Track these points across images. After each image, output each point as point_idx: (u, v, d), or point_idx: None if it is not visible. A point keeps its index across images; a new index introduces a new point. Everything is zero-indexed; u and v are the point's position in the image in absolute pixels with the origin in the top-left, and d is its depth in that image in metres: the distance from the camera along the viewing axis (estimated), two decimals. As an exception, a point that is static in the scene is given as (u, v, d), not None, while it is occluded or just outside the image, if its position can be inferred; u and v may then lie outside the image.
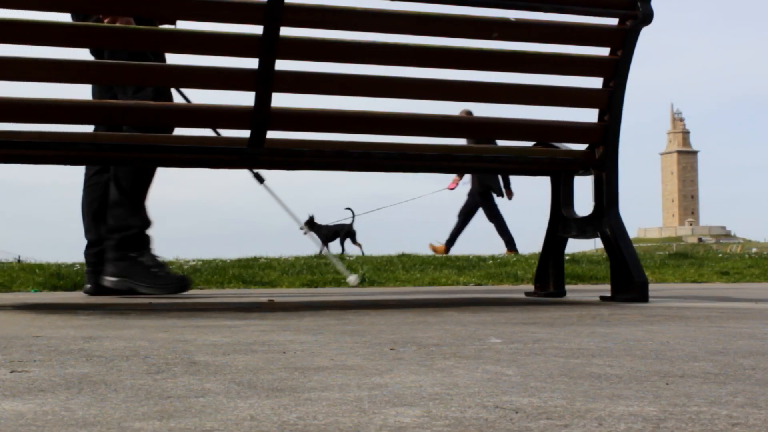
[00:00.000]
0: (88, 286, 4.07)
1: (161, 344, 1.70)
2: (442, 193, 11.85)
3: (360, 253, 10.37)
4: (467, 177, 11.31)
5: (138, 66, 2.91)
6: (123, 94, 3.72)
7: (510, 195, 11.14)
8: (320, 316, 2.51)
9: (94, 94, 3.83)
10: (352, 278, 4.39)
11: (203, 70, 2.93)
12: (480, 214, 11.22)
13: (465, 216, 11.23)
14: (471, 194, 11.22)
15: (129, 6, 2.89)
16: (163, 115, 3.00)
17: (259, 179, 4.20)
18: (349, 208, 12.29)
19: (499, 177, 11.06)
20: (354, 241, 12.32)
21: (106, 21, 3.43)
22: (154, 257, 3.85)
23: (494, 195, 11.07)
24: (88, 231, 4.03)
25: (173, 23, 3.48)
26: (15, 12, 2.67)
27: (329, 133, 3.13)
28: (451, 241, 11.17)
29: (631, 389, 1.14)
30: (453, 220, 11.47)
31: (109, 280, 3.85)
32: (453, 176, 11.47)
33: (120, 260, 3.83)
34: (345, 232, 12.15)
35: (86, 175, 4.03)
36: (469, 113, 9.63)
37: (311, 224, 12.22)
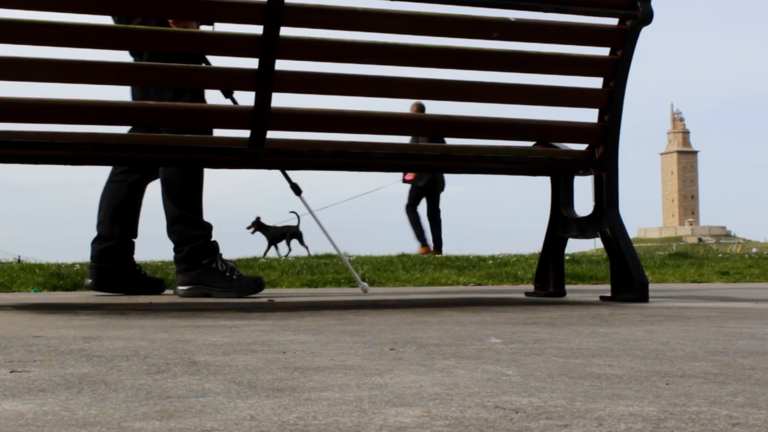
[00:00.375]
0: (89, 280, 4.07)
1: (161, 344, 1.70)
2: (451, 195, 11.97)
3: (307, 255, 10.68)
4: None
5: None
6: (157, 95, 3.73)
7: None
8: (320, 316, 2.51)
9: (134, 95, 3.84)
10: (365, 285, 4.40)
11: (203, 70, 2.93)
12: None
13: (432, 214, 11.37)
14: (412, 190, 11.39)
15: (132, 6, 2.89)
16: (161, 114, 2.99)
17: (297, 191, 4.20)
18: (293, 212, 12.83)
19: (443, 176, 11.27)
20: (301, 243, 12.95)
21: (174, 25, 3.45)
22: (225, 261, 3.89)
23: (438, 194, 11.31)
24: (101, 224, 4.03)
25: (211, 24, 3.49)
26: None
27: (329, 133, 3.13)
28: (437, 244, 11.30)
29: (631, 389, 1.14)
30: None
31: (182, 289, 3.88)
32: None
33: (191, 269, 3.86)
34: (291, 233, 12.86)
35: (112, 170, 4.04)
36: (421, 106, 9.67)
37: (259, 225, 12.92)
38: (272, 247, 12.95)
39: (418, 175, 11.12)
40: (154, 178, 4.06)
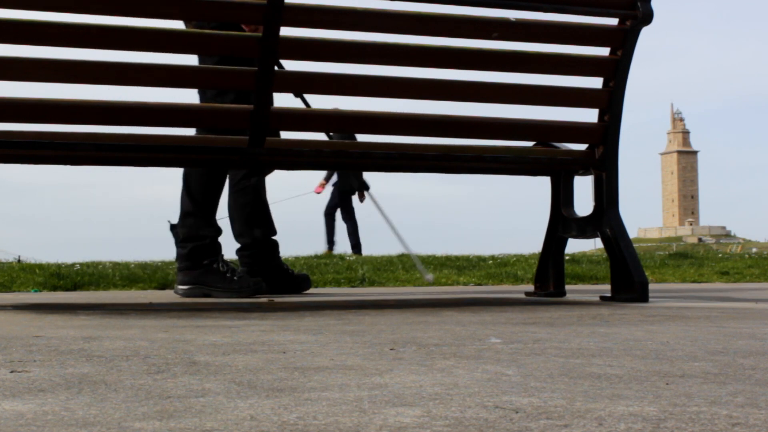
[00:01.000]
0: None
1: (161, 344, 1.70)
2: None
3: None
4: (334, 178, 11.86)
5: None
6: (203, 95, 3.79)
7: (362, 198, 11.63)
8: (320, 316, 2.51)
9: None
10: (429, 277, 4.42)
11: (203, 70, 2.93)
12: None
13: (346, 216, 11.72)
14: (334, 193, 11.79)
15: (132, 6, 2.89)
16: (163, 115, 2.99)
17: (365, 187, 4.21)
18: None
19: (363, 179, 11.61)
20: None
21: (246, 30, 3.49)
22: (226, 263, 3.92)
23: (351, 198, 11.67)
24: (241, 235, 4.10)
25: (257, 29, 3.53)
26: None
27: (329, 133, 3.13)
28: (356, 245, 11.64)
29: (631, 389, 1.14)
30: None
31: (182, 288, 3.91)
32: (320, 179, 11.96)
33: (192, 268, 3.89)
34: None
35: (232, 179, 4.10)
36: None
37: (173, 228, 13.88)
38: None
39: (338, 179, 11.56)
40: (269, 172, 4.14)
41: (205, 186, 3.91)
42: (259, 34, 2.81)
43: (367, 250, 11.74)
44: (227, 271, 3.86)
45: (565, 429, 0.88)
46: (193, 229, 3.91)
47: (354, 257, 8.66)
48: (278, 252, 4.18)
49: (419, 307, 2.94)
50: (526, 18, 3.25)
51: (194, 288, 3.87)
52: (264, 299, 3.66)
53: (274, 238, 4.16)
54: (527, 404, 1.02)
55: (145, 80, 2.92)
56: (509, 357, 1.49)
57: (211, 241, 3.92)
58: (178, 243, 3.97)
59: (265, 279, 4.02)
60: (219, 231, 3.97)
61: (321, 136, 3.35)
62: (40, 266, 6.37)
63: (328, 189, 11.99)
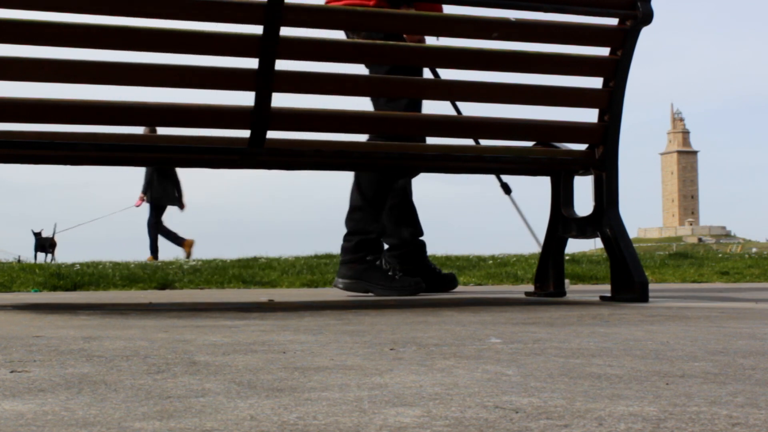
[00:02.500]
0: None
1: (161, 344, 1.70)
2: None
3: (51, 261, 12.59)
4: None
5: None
6: (375, 103, 3.88)
7: (182, 207, 12.55)
8: (320, 316, 2.50)
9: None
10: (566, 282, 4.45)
11: (203, 70, 2.93)
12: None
13: (153, 225, 12.38)
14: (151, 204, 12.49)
15: (132, 6, 2.89)
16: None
17: (507, 190, 4.24)
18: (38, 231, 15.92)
19: (178, 188, 12.44)
20: (52, 251, 16.01)
21: (408, 40, 3.59)
22: (389, 262, 4.01)
23: (166, 207, 12.41)
24: (390, 236, 4.18)
25: (420, 39, 3.58)
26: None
27: (329, 133, 3.13)
28: (155, 250, 12.27)
29: (631, 389, 1.14)
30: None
31: (343, 282, 3.98)
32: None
33: (356, 262, 3.97)
34: (49, 244, 16.02)
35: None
36: (153, 130, 9.68)
37: (37, 235, 16.12)
38: (38, 253, 16.14)
39: (148, 193, 12.26)
40: (415, 175, 4.21)
41: (376, 183, 3.99)
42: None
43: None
44: (389, 269, 3.94)
45: (565, 429, 0.88)
46: (361, 223, 3.99)
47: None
48: (426, 252, 4.26)
49: (419, 307, 2.94)
50: (526, 18, 3.25)
51: (355, 282, 3.96)
52: (264, 299, 3.66)
53: (421, 238, 4.25)
54: (527, 404, 1.02)
55: (145, 80, 2.92)
56: (509, 357, 1.49)
57: (376, 237, 4.01)
58: (344, 236, 4.06)
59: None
60: (384, 228, 4.06)
61: (322, 136, 3.34)
62: (40, 266, 6.37)
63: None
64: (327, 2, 3.68)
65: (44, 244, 16.03)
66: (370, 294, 3.90)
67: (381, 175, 3.97)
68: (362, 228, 3.98)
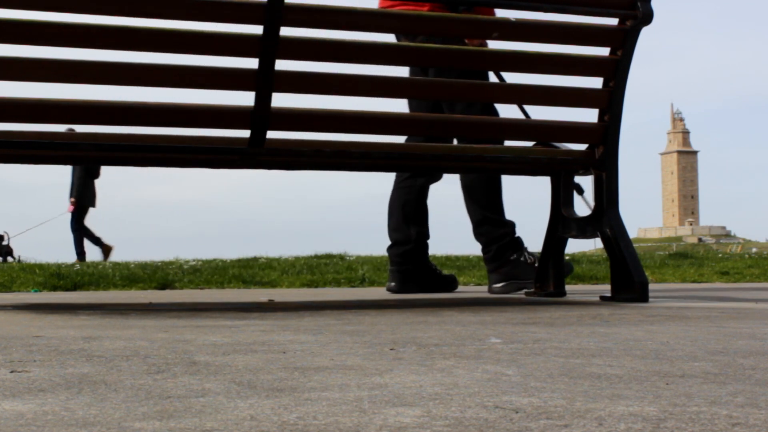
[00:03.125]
0: (392, 284, 4.23)
1: (161, 344, 1.70)
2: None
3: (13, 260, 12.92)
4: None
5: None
6: (450, 108, 3.92)
7: (95, 206, 12.73)
8: (320, 316, 2.50)
9: (412, 108, 4.01)
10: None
11: (203, 70, 2.93)
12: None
13: (76, 227, 12.54)
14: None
15: (132, 6, 2.89)
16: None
17: (579, 190, 4.27)
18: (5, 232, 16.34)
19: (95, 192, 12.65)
20: (12, 255, 16.34)
21: (469, 44, 3.62)
22: (532, 254, 4.03)
23: (88, 209, 12.58)
24: (396, 230, 4.20)
25: (482, 44, 3.60)
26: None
27: (329, 133, 3.13)
28: (81, 253, 12.42)
29: (631, 389, 1.14)
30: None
31: (497, 287, 4.03)
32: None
33: (502, 266, 4.02)
34: (5, 251, 16.39)
35: (397, 177, 4.21)
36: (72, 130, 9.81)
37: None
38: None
39: (74, 193, 12.43)
40: (436, 180, 4.24)
41: (488, 190, 4.05)
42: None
43: (367, 250, 11.70)
44: (534, 262, 3.96)
45: (565, 429, 0.88)
46: (491, 233, 4.06)
47: (354, 257, 8.68)
48: (427, 253, 4.28)
49: (419, 307, 2.94)
50: (526, 18, 3.25)
51: (508, 284, 4.00)
52: (264, 299, 3.66)
53: (426, 241, 4.27)
54: (527, 404, 1.02)
55: (145, 80, 2.92)
56: (509, 357, 1.49)
57: (510, 238, 4.05)
58: (482, 250, 4.11)
59: (416, 277, 4.15)
60: (513, 225, 4.10)
61: (322, 136, 3.34)
62: (40, 266, 6.37)
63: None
64: (380, 6, 3.69)
65: (2, 251, 16.66)
66: (522, 292, 3.90)
67: (487, 180, 4.02)
68: (493, 237, 4.04)
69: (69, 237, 12.71)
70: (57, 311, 2.77)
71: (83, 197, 12.38)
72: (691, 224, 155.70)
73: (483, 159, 3.36)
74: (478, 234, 4.09)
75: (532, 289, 3.77)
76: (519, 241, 4.06)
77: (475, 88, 3.27)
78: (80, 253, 12.39)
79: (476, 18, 3.28)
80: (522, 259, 3.99)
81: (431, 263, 4.30)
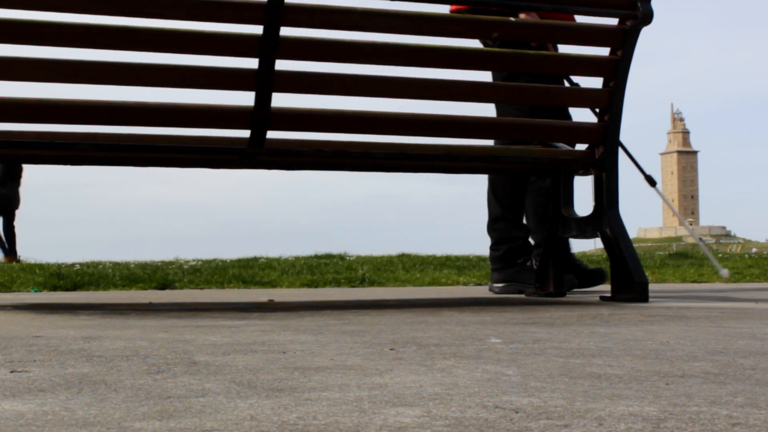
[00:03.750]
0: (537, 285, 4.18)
1: (161, 344, 1.70)
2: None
3: None
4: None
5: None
6: (501, 110, 3.93)
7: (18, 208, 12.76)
8: (320, 316, 2.50)
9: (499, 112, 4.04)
10: (725, 272, 4.44)
11: (203, 70, 2.93)
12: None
13: (8, 230, 12.39)
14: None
15: (132, 6, 2.89)
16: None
17: (651, 182, 4.26)
18: None
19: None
20: None
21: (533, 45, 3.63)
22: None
23: (14, 211, 12.39)
24: (536, 233, 4.20)
25: (544, 47, 3.63)
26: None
27: (329, 133, 3.13)
28: (11, 250, 12.27)
29: (631, 389, 1.14)
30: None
31: (497, 286, 4.05)
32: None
33: (507, 268, 4.03)
34: None
35: (530, 181, 4.22)
36: None
37: None
38: None
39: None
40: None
41: (511, 190, 4.05)
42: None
43: (367, 250, 11.72)
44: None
45: (565, 429, 0.88)
46: (504, 232, 4.06)
47: (354, 257, 8.69)
48: (570, 249, 4.24)
49: (419, 307, 2.94)
50: (526, 18, 3.24)
51: (508, 286, 4.01)
52: (264, 299, 3.66)
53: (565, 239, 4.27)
54: (527, 404, 1.02)
55: (145, 80, 2.92)
56: (509, 357, 1.49)
57: (523, 242, 4.06)
58: (491, 246, 4.09)
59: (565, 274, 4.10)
60: (528, 230, 4.11)
61: (322, 136, 3.35)
62: (40, 266, 6.37)
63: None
64: (451, 10, 3.69)
65: None
66: (522, 295, 3.89)
67: (515, 180, 4.03)
68: (507, 236, 4.05)
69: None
70: (57, 311, 2.77)
71: (5, 199, 12.20)
72: (691, 224, 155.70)
73: (483, 159, 3.36)
74: (492, 229, 4.11)
75: (532, 290, 3.77)
76: (529, 247, 4.08)
77: (476, 88, 3.27)
78: (12, 251, 12.28)
79: (476, 18, 3.28)
80: (528, 264, 4.01)
81: (575, 258, 4.26)
